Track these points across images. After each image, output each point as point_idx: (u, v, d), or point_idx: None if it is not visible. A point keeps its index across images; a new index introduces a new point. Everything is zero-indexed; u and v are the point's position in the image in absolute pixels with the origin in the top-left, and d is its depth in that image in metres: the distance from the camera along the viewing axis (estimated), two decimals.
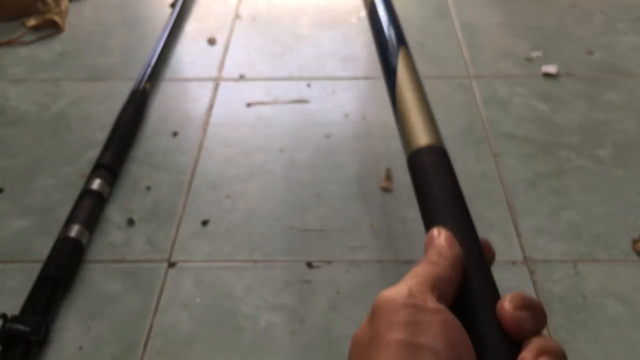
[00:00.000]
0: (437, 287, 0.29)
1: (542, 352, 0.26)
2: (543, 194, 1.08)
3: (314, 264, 0.97)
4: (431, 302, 0.28)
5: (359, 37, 1.52)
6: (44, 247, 0.99)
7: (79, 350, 0.87)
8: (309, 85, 1.36)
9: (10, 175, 1.16)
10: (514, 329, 0.28)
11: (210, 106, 1.31)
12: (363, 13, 1.58)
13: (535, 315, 0.28)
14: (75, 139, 1.23)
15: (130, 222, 1.05)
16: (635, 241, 0.99)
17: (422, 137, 0.38)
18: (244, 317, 0.90)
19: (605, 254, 0.98)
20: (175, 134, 1.24)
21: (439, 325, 0.26)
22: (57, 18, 1.56)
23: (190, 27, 1.57)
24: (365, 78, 1.39)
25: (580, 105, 1.28)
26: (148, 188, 1.12)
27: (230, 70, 1.42)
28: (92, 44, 1.52)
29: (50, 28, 1.57)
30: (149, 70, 1.35)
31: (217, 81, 1.38)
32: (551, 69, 1.37)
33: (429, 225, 0.33)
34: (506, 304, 0.28)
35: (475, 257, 0.31)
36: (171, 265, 0.98)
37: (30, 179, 1.14)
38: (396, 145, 1.16)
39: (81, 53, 1.49)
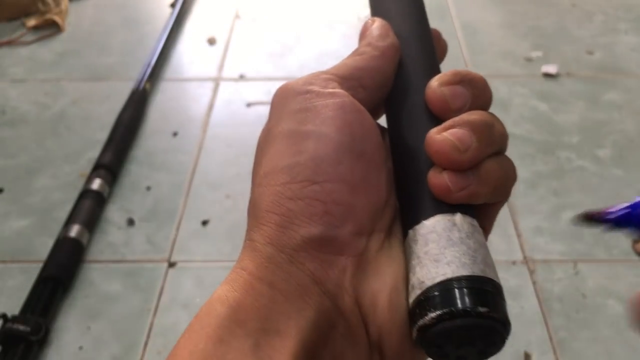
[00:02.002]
0: (357, 77, 0.25)
1: (454, 124, 0.23)
2: (543, 194, 1.08)
3: None
4: (330, 88, 0.24)
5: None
6: (44, 247, 0.99)
7: (79, 350, 0.87)
8: None
9: (10, 175, 1.16)
10: (438, 107, 0.24)
11: (210, 106, 1.31)
12: (363, 13, 1.58)
13: (472, 91, 0.24)
14: (75, 139, 1.23)
15: (130, 222, 1.05)
16: (635, 241, 0.99)
17: None
18: None
19: (605, 254, 0.98)
20: (175, 134, 1.24)
21: (331, 109, 0.23)
22: (57, 18, 1.56)
23: (190, 27, 1.57)
24: None
25: (580, 105, 1.28)
26: (148, 188, 1.12)
27: (230, 70, 1.41)
28: (92, 44, 1.52)
29: (50, 28, 1.57)
30: (149, 70, 1.35)
31: (217, 81, 1.38)
32: (551, 69, 1.37)
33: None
34: (432, 81, 0.24)
35: (418, 46, 0.28)
36: (171, 265, 0.98)
37: (30, 179, 1.14)
38: None
39: (81, 53, 1.49)
